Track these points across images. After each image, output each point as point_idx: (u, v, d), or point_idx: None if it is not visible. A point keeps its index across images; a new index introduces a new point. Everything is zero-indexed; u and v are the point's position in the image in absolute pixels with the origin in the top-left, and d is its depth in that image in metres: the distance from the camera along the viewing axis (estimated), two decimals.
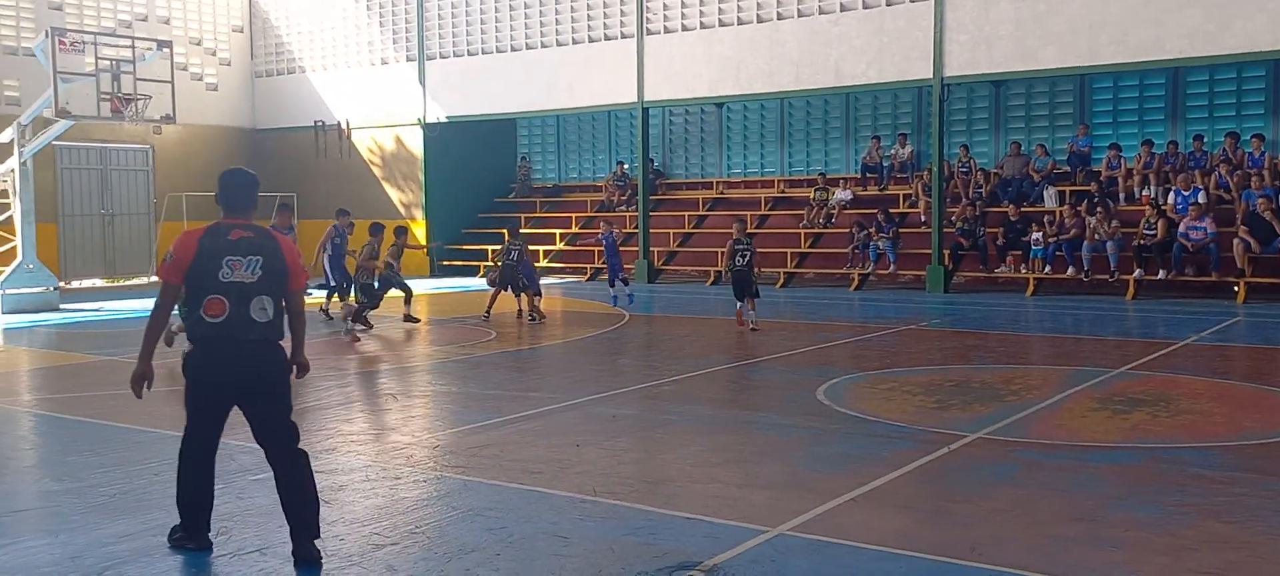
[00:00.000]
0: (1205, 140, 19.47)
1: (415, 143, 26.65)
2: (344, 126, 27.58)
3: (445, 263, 26.61)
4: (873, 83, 20.17)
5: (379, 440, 7.88)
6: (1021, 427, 7.94)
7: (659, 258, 23.75)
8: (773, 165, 25.90)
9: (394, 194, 27.27)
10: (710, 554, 5.07)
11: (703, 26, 21.75)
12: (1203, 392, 9.33)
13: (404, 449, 7.49)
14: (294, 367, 5.24)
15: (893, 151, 23.22)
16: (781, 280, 21.20)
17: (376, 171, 27.52)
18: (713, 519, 5.66)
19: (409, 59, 26.37)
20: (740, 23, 21.26)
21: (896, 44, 19.38)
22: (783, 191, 24.92)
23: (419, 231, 27.03)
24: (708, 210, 25.27)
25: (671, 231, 24.56)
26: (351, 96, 27.37)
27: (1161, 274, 17.57)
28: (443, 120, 26.05)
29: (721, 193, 25.82)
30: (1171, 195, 18.31)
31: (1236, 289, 16.83)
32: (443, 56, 25.80)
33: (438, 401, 9.55)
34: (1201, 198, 17.69)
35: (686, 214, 25.24)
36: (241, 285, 4.95)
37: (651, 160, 25.23)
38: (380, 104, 26.89)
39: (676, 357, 11.91)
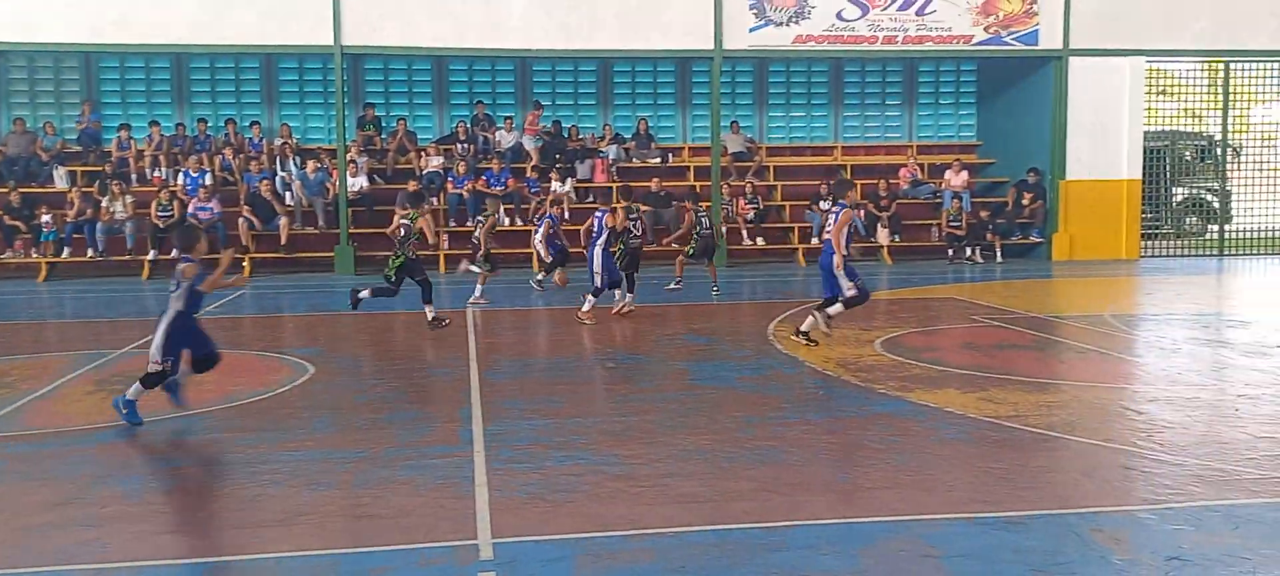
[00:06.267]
0: (209, 124, 20.67)
1: None
2: None
3: None
4: None
5: None
6: (13, 421, 7.68)
7: None
8: None
9: None
10: None
11: None
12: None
13: None
14: None
15: None
16: None
17: None
18: None
19: None
20: None
21: None
22: None
23: None
24: None
25: None
26: None
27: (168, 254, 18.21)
28: None
29: None
30: (181, 176, 19.08)
31: (243, 264, 18.25)
32: None
33: None
34: (208, 179, 18.83)
35: None
36: None
37: None
38: None
39: None
